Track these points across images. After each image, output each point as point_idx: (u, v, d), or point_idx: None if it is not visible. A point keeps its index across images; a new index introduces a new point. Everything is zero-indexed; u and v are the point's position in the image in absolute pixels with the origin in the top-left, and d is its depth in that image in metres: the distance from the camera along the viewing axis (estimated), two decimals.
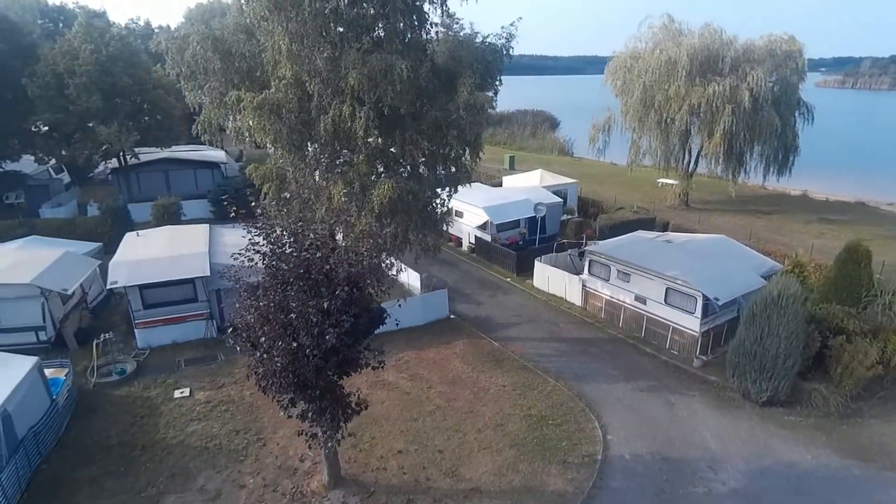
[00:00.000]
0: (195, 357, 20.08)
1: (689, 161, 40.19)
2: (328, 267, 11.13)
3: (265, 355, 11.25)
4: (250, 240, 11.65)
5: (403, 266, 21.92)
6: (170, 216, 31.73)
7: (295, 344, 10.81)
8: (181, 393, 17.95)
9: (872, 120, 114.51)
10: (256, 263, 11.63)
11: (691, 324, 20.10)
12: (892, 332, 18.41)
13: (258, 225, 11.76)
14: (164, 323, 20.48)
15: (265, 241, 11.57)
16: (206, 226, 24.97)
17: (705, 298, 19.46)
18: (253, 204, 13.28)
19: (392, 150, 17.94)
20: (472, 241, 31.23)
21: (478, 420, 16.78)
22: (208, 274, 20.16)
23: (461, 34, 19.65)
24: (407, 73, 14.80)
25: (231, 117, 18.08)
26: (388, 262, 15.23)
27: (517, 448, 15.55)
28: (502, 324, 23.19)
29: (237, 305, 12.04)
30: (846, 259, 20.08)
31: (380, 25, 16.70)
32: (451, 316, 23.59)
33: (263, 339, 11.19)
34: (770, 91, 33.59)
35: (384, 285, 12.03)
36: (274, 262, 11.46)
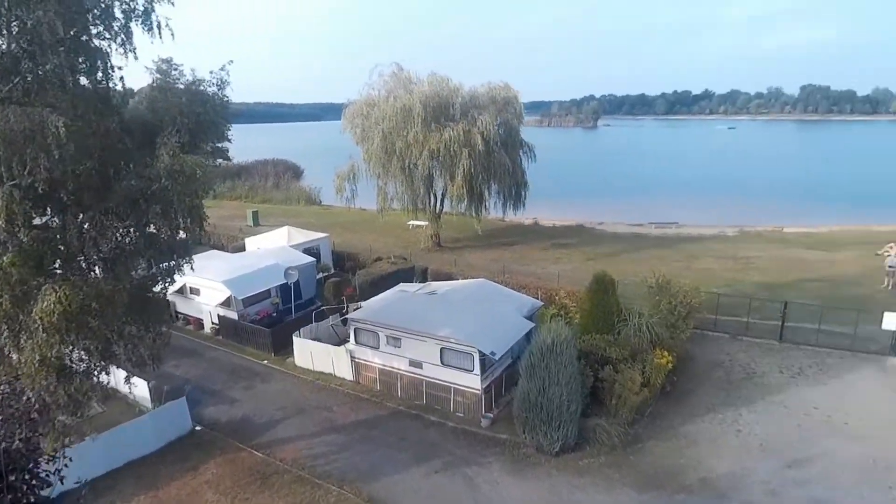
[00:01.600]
0: None
1: (436, 203, 40.85)
2: None
3: None
4: None
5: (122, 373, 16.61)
6: None
7: None
8: None
9: (571, 151, 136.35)
10: None
11: (472, 382, 18.74)
12: (647, 352, 19.48)
13: None
14: None
15: None
16: None
17: (482, 354, 18.29)
18: None
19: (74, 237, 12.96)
20: (216, 321, 26.31)
21: None
22: None
23: (180, 82, 15.71)
24: (65, 133, 10.35)
25: None
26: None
27: None
28: (265, 424, 19.11)
29: None
30: (596, 289, 20.93)
31: (27, 66, 11.86)
32: (197, 428, 18.76)
33: None
34: (498, 134, 35.74)
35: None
36: None
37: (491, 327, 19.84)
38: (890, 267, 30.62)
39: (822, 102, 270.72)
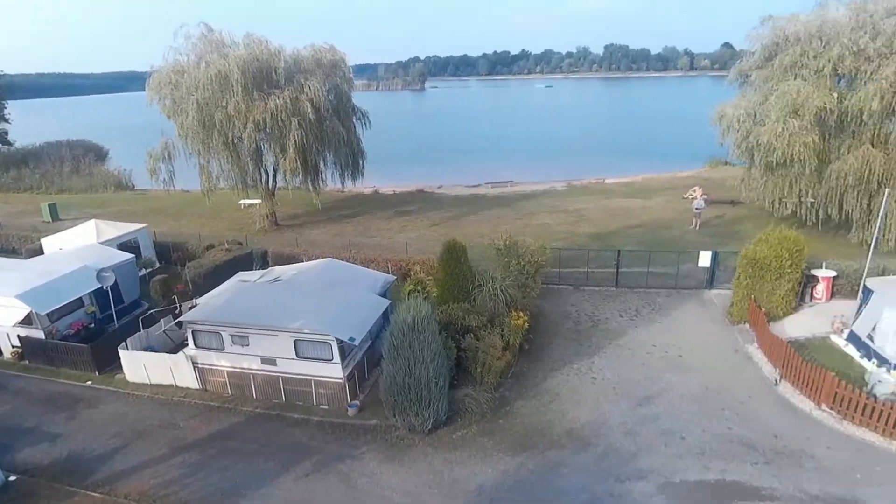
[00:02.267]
0: None
1: (268, 179, 37.93)
2: None
3: None
4: None
5: None
6: None
7: None
8: None
9: (403, 116, 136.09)
10: None
11: (333, 372, 17.56)
12: (503, 315, 19.73)
13: None
14: None
15: None
16: None
17: (340, 341, 17.13)
18: None
19: None
20: (16, 344, 21.89)
21: None
22: None
23: None
24: None
25: None
26: None
27: None
28: (99, 457, 16.18)
29: None
30: (448, 258, 20.61)
31: None
32: (11, 478, 15.37)
33: None
34: (329, 100, 33.69)
35: None
36: None
37: (345, 311, 18.67)
38: (696, 209, 34.58)
39: (623, 61, 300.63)
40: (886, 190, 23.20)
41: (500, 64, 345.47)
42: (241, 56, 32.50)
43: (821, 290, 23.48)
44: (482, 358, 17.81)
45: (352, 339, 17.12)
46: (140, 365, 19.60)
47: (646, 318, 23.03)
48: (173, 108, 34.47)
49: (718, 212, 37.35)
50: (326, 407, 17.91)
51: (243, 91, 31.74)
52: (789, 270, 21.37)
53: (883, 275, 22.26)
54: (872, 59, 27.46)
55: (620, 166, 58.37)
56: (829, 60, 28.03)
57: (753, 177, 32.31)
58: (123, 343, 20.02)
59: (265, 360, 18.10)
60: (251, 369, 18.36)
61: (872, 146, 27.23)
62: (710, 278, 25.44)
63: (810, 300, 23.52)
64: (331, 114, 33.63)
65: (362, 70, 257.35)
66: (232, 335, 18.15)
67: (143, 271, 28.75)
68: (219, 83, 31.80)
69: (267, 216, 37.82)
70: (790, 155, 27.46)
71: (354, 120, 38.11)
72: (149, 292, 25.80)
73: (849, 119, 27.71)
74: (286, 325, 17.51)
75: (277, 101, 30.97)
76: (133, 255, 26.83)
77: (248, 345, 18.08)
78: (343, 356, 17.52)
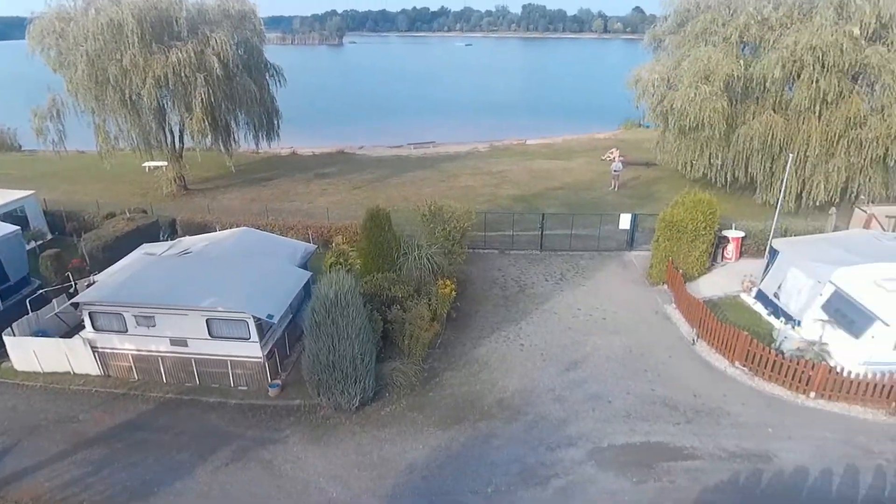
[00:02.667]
0: None
1: (174, 139, 35.06)
2: None
3: None
4: None
5: None
6: None
7: None
8: None
9: (321, 72, 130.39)
10: None
11: (251, 351, 16.51)
12: (430, 284, 19.26)
13: None
14: None
15: None
16: None
17: (257, 319, 16.07)
18: None
19: None
20: None
21: None
22: None
23: None
24: None
25: None
26: None
27: None
28: None
29: None
30: (371, 226, 19.72)
31: None
32: None
33: None
34: (238, 55, 31.21)
35: None
36: None
37: (263, 286, 17.52)
38: (614, 171, 35.28)
39: (541, 21, 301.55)
40: (790, 155, 24.38)
41: (420, 20, 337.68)
42: (137, 3, 29.21)
43: (731, 250, 24.63)
44: (409, 330, 17.33)
45: (270, 316, 16.10)
46: (30, 352, 17.63)
47: (570, 282, 23.32)
48: (60, 61, 30.83)
49: (635, 173, 38.37)
50: (245, 388, 16.91)
51: (140, 42, 28.65)
52: (704, 233, 22.18)
53: (786, 235, 23.59)
54: (775, 28, 28.54)
55: (541, 127, 58.89)
56: (735, 28, 28.86)
57: (667, 140, 33.27)
58: (9, 328, 17.92)
59: (175, 342, 16.75)
60: (159, 351, 16.95)
61: (774, 112, 28.52)
62: (630, 240, 26.09)
63: (721, 260, 24.66)
64: (241, 70, 31.19)
65: (276, 22, 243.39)
66: (136, 316, 16.62)
67: (32, 244, 25.91)
68: (111, 33, 28.54)
69: (175, 180, 34.99)
70: (701, 120, 28.31)
71: (268, 77, 35.63)
72: (38, 269, 23.24)
73: (753, 85, 28.79)
74: (197, 304, 16.20)
75: (180, 55, 28.19)
76: (18, 228, 23.93)
77: (154, 325, 16.63)
78: (261, 334, 16.50)
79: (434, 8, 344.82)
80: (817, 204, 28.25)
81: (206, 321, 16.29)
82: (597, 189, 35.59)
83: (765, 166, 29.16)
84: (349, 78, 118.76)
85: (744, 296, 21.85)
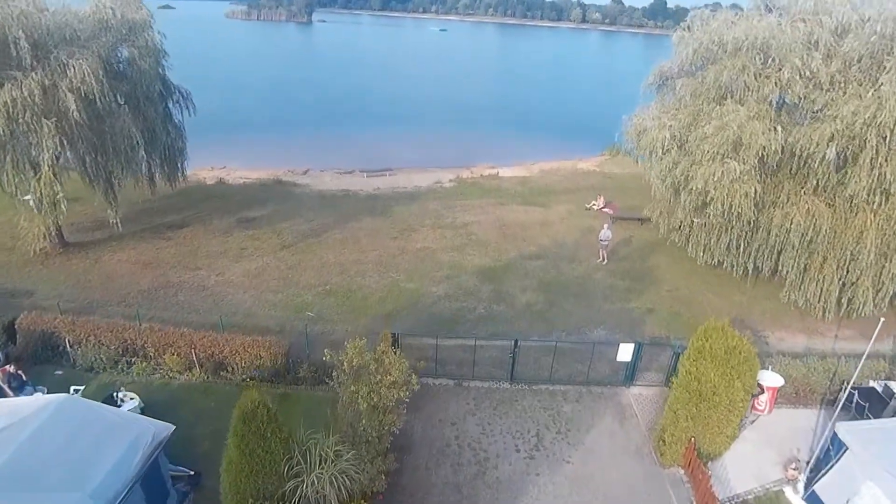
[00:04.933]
0: None
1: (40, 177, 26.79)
2: None
3: None
4: None
5: None
6: None
7: None
8: None
9: (277, 60, 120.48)
10: None
11: None
12: None
13: None
14: None
15: None
16: None
17: None
18: None
19: None
20: None
21: None
22: None
23: None
24: None
25: None
26: None
27: None
28: None
29: None
30: (245, 433, 12.41)
31: None
32: None
33: None
34: (116, 86, 23.08)
35: None
36: None
37: None
38: (602, 241, 28.62)
39: (518, 7, 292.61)
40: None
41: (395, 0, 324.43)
42: None
43: (764, 400, 18.27)
44: None
45: None
46: None
47: (550, 453, 16.59)
48: None
49: (626, 232, 31.92)
50: None
51: None
52: (741, 405, 15.66)
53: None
54: (824, 87, 22.02)
55: (515, 148, 52.50)
56: (777, 85, 22.27)
57: (675, 215, 26.59)
58: None
59: None
60: None
61: (815, 195, 22.22)
62: (631, 374, 19.51)
63: (750, 412, 18.27)
64: (120, 106, 23.12)
65: None
66: None
67: None
68: None
69: (46, 235, 26.60)
70: (729, 205, 21.75)
71: (170, 105, 27.56)
72: None
73: (792, 159, 22.33)
74: None
75: (15, 94, 19.88)
76: None
77: None
78: None
79: None
80: (861, 314, 22.17)
81: None
82: (581, 260, 28.96)
83: (799, 263, 22.79)
84: (309, 69, 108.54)
85: (789, 492, 15.55)
